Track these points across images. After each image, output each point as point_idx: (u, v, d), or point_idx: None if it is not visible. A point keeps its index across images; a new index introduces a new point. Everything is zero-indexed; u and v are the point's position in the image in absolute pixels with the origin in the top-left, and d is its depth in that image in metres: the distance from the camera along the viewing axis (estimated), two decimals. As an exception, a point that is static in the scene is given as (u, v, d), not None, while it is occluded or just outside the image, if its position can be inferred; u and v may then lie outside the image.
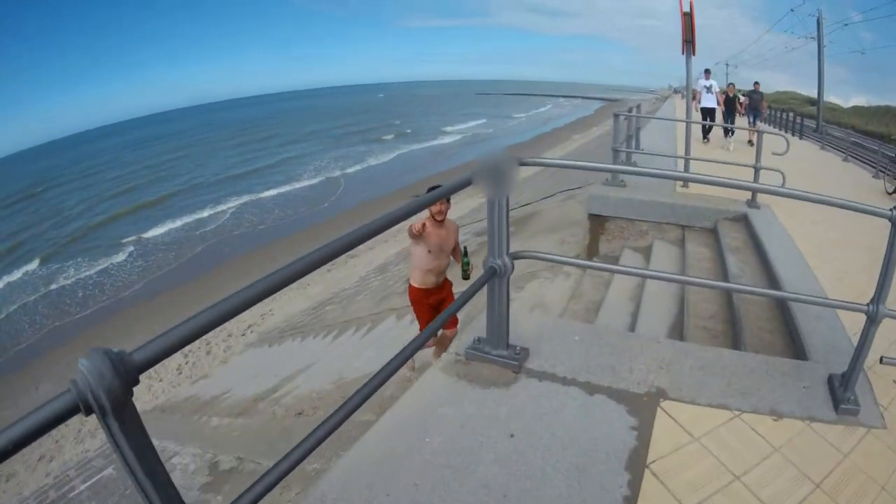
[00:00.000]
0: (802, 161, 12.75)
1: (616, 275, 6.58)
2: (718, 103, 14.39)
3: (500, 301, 2.88)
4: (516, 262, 2.80)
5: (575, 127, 51.14)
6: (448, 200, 4.62)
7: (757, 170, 7.25)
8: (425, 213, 4.54)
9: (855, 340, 3.39)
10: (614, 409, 2.77)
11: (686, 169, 8.28)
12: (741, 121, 15.58)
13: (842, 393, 2.87)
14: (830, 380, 3.05)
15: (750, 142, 13.66)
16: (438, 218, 4.59)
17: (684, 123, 8.80)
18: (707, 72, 14.60)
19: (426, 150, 45.89)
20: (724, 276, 5.55)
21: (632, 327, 5.04)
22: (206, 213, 27.43)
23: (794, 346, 3.93)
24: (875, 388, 3.12)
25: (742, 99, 15.55)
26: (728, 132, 14.10)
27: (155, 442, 1.12)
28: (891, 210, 2.46)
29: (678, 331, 4.77)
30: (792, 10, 37.55)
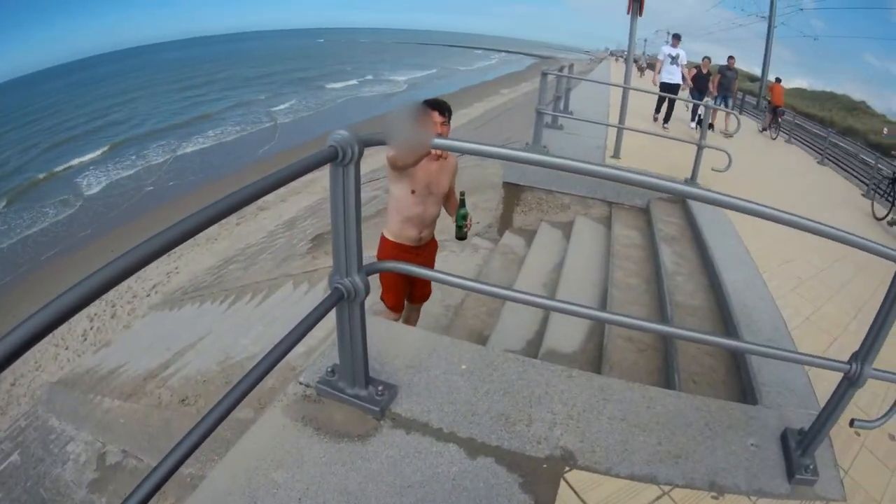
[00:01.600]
0: (767, 156, 12.40)
1: (530, 253, 5.95)
2: (685, 78, 12.03)
3: (354, 331, 2.11)
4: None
5: (504, 81, 51.11)
6: (448, 119, 3.43)
7: (700, 148, 6.58)
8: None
9: (814, 380, 3.07)
10: (503, 482, 2.08)
11: (618, 140, 7.69)
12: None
13: (798, 457, 2.33)
14: (785, 437, 2.48)
15: (721, 131, 12.46)
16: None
17: (621, 90, 8.02)
18: (676, 38, 11.84)
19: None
20: (657, 269, 4.90)
21: (541, 333, 4.33)
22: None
23: (739, 378, 3.33)
24: (834, 444, 2.59)
25: (713, 77, 13.29)
26: (696, 115, 12.10)
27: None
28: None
29: (597, 340, 4.07)
30: None
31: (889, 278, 1.89)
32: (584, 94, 14.72)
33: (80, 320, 10.11)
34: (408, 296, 4.00)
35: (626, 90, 7.66)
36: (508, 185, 6.82)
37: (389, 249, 3.68)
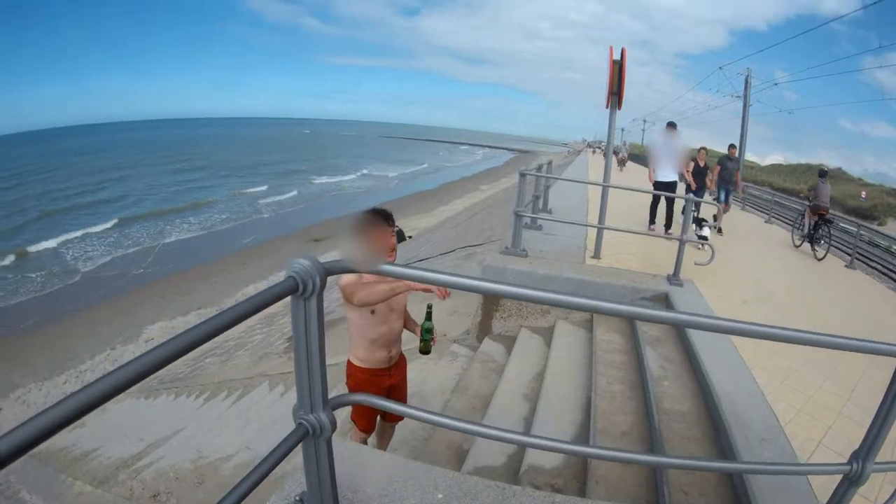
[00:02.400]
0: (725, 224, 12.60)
1: (511, 361, 5.82)
2: (684, 177, 10.61)
3: (322, 468, 1.96)
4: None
5: (484, 177, 52.12)
6: (395, 234, 3.32)
7: (682, 243, 6.60)
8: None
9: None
10: None
11: (599, 238, 7.74)
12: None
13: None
14: None
15: (719, 229, 11.17)
16: (389, 258, 3.27)
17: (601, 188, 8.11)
18: (672, 126, 10.26)
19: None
20: (642, 374, 4.81)
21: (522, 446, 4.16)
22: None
23: (733, 483, 3.20)
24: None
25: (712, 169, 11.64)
26: (701, 222, 9.81)
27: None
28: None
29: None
30: (720, 67, 40.19)
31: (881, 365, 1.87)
32: (564, 190, 15.01)
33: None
34: (381, 415, 3.86)
35: (605, 188, 7.74)
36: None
37: (360, 376, 3.52)
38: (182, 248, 25.15)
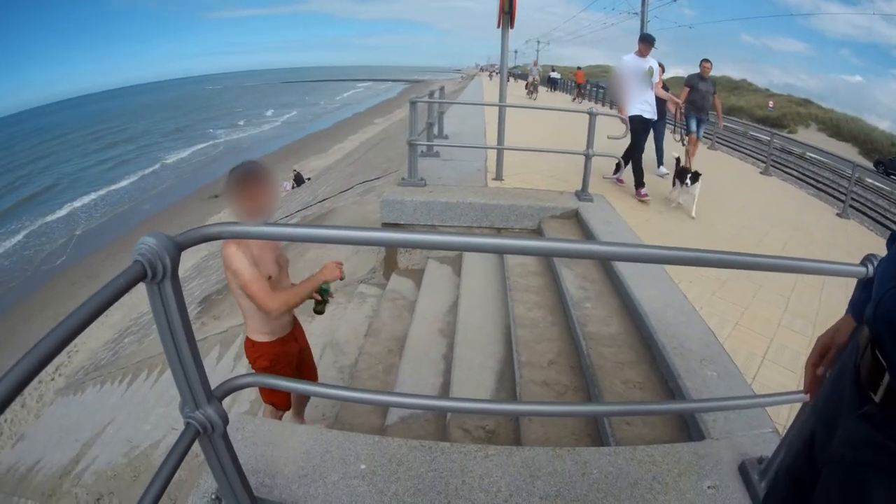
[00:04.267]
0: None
1: (421, 296, 5.59)
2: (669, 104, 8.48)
3: (225, 464, 1.68)
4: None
5: (377, 111, 51.81)
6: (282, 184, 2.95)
7: (588, 158, 6.43)
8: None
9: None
10: None
11: (499, 161, 7.50)
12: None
13: (763, 489, 2.12)
14: (744, 469, 2.27)
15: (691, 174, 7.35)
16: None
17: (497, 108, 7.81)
18: (646, 42, 7.42)
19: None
20: (561, 297, 4.63)
21: (446, 385, 3.94)
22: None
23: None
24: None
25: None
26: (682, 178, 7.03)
27: None
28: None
29: (509, 387, 3.74)
30: None
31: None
32: (462, 115, 14.75)
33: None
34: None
35: (501, 108, 7.47)
36: (387, 226, 6.44)
37: (272, 349, 3.18)
38: (99, 231, 24.18)
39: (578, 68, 32.65)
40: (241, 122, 58.97)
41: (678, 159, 7.81)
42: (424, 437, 3.10)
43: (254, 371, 3.15)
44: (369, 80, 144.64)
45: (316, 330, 5.95)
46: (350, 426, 3.70)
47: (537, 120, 12.94)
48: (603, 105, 23.08)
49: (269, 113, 65.75)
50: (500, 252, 4.75)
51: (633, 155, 7.30)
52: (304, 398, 3.80)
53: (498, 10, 6.75)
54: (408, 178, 6.87)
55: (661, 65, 7.94)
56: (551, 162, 8.16)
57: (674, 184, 7.14)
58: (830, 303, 4.49)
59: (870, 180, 21.45)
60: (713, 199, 7.49)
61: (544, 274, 5.20)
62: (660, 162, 9.01)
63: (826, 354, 1.35)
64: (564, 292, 4.51)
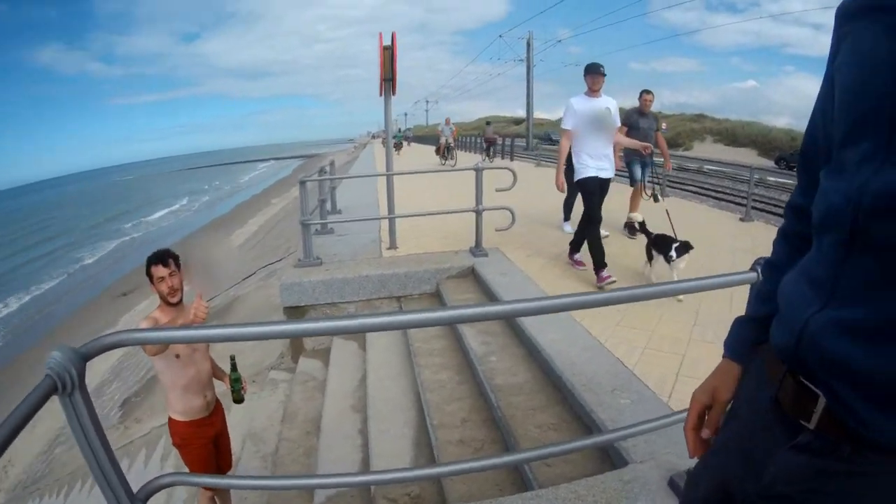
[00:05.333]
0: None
1: (330, 375, 5.55)
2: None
3: None
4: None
5: (274, 190, 51.63)
6: (176, 265, 3.15)
7: (479, 213, 6.64)
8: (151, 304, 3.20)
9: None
10: None
11: (392, 228, 7.60)
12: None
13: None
14: (674, 484, 2.40)
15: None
16: (172, 299, 3.13)
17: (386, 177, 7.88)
18: (594, 74, 5.88)
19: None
20: (465, 355, 4.70)
21: (366, 459, 3.91)
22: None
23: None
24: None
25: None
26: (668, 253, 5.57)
27: None
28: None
29: (426, 451, 3.74)
30: (500, 36, 42.20)
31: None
32: (355, 187, 14.81)
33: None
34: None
35: (389, 178, 7.57)
36: (290, 310, 6.39)
37: (184, 430, 3.32)
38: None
39: (488, 123, 28.81)
40: (156, 216, 56.76)
41: (643, 223, 6.20)
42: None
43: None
44: (270, 158, 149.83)
45: (233, 422, 5.75)
46: (280, 512, 3.67)
47: (445, 186, 12.71)
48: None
49: (184, 201, 64.16)
50: (403, 328, 4.85)
51: (589, 229, 5.84)
52: (228, 494, 3.83)
53: (379, 78, 6.91)
54: (303, 258, 6.84)
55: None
56: (447, 222, 8.29)
57: (649, 256, 5.71)
58: (742, 307, 4.66)
59: (772, 178, 22.69)
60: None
61: (447, 336, 5.26)
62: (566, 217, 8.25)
63: (707, 415, 1.23)
64: (468, 350, 4.58)
